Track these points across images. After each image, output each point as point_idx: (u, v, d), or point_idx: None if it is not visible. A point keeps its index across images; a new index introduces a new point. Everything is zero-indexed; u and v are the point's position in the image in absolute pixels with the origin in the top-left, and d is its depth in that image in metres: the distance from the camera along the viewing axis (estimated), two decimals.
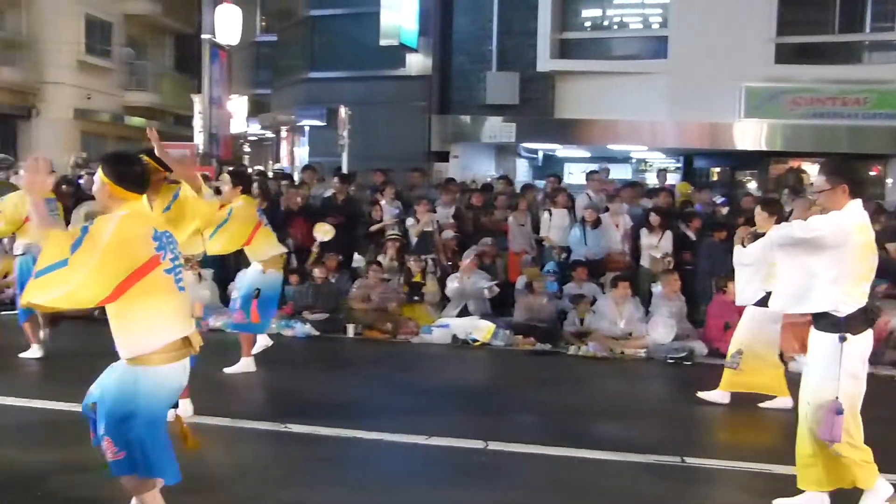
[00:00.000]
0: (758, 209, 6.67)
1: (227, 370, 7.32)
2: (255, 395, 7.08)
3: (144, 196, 3.75)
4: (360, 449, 5.51)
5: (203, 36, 14.35)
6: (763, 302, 5.82)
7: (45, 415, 5.99)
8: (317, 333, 9.44)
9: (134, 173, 3.69)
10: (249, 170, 14.35)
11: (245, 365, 7.36)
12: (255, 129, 23.87)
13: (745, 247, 6.32)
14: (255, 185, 9.45)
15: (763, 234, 5.77)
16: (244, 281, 7.53)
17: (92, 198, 6.62)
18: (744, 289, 6.50)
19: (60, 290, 3.38)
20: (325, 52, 18.14)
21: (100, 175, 3.65)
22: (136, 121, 27.36)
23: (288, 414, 6.05)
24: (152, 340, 3.54)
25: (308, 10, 18.79)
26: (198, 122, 17.03)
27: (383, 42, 15.37)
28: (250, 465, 5.15)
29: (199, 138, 16.81)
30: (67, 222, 8.18)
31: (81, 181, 12.19)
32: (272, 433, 5.74)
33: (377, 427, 5.80)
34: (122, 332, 3.56)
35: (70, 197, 11.38)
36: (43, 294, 3.40)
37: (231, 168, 9.15)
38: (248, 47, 19.52)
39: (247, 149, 25.16)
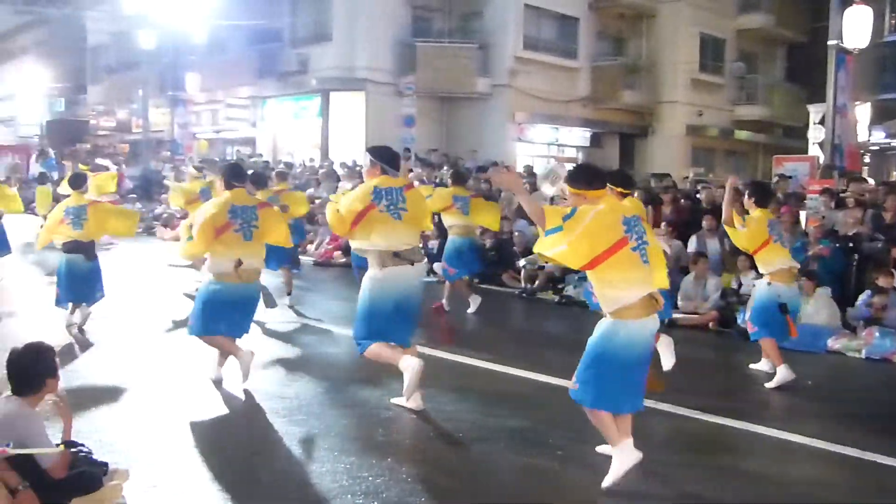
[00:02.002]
0: None
1: (767, 385, 7.26)
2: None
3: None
4: None
5: (829, 42, 13.63)
6: None
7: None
8: None
9: (591, 174, 4.76)
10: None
11: (783, 376, 7.23)
12: (877, 137, 22.08)
13: None
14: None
15: None
16: (756, 293, 7.56)
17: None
18: None
19: (559, 248, 4.45)
20: None
21: (569, 190, 4.70)
22: (743, 134, 27.48)
23: None
24: (623, 298, 4.50)
25: None
26: (813, 133, 16.33)
27: None
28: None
29: (814, 150, 16.10)
30: None
31: (699, 195, 12.56)
32: None
33: None
34: (601, 292, 4.59)
35: (687, 211, 11.86)
36: (548, 248, 4.52)
37: (756, 181, 8.62)
38: (871, 49, 18.07)
39: (867, 160, 23.36)
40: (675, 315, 9.54)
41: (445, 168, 18.36)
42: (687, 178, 18.04)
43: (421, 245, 7.45)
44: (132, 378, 6.84)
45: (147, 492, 4.43)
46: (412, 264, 5.75)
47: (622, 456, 4.66)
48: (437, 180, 16.01)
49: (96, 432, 5.27)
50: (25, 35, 39.49)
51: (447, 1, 23.94)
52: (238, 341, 6.64)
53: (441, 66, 22.20)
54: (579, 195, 4.63)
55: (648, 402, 6.22)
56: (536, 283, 12.06)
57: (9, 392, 4.06)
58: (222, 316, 6.44)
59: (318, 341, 8.46)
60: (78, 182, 9.03)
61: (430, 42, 22.79)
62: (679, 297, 10.30)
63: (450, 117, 23.68)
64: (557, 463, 5.15)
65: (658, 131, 26.09)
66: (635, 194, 7.84)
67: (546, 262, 5.68)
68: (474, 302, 10.24)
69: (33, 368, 4.04)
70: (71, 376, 6.55)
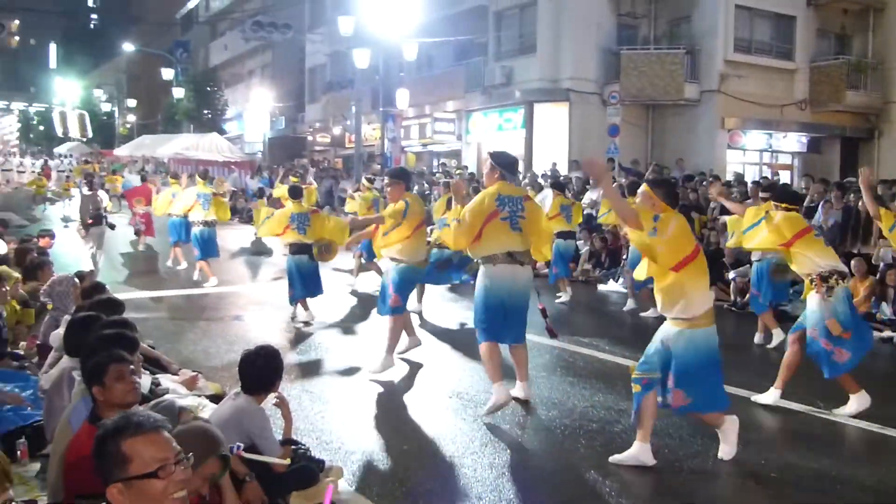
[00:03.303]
0: None
1: None
2: None
3: None
4: None
5: None
6: None
7: None
8: None
9: (669, 193, 5.16)
10: None
11: None
12: None
13: None
14: None
15: None
16: None
17: None
18: None
19: (658, 249, 4.88)
20: None
21: (645, 188, 5.13)
22: None
23: None
24: (703, 307, 4.95)
25: None
26: None
27: None
28: None
29: None
30: None
31: None
32: None
33: None
34: (679, 297, 4.89)
35: None
36: (651, 252, 4.91)
37: None
38: None
39: None
40: None
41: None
42: None
43: None
44: (349, 380, 7.16)
45: (361, 490, 4.60)
46: (522, 265, 6.09)
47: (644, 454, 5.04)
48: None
49: (314, 431, 5.55)
50: (252, 60, 42.73)
51: (653, 7, 23.41)
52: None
53: (647, 73, 21.70)
54: (652, 199, 5.00)
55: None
56: (747, 296, 11.44)
57: (238, 389, 4.35)
58: (407, 296, 7.69)
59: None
60: (296, 193, 10.17)
61: (636, 49, 22.35)
62: None
63: (655, 125, 23.08)
64: (773, 492, 4.85)
65: (887, 133, 24.03)
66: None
67: None
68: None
69: (265, 370, 4.31)
70: (290, 376, 6.95)
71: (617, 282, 13.38)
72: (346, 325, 9.79)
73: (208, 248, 12.60)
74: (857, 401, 6.25)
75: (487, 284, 6.10)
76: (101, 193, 14.40)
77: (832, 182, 15.16)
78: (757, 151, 23.73)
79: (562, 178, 17.79)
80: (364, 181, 13.76)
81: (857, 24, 24.19)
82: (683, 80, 21.64)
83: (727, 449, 5.19)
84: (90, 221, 12.66)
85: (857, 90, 23.27)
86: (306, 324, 9.60)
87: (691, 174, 18.57)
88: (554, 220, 11.35)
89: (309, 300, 9.87)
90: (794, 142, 23.91)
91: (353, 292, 12.16)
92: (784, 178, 21.92)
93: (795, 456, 5.36)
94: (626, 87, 21.37)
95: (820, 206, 12.14)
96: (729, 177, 18.53)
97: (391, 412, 6.25)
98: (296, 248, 9.74)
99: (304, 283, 9.70)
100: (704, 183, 16.65)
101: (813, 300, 6.28)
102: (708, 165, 20.33)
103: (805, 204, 12.93)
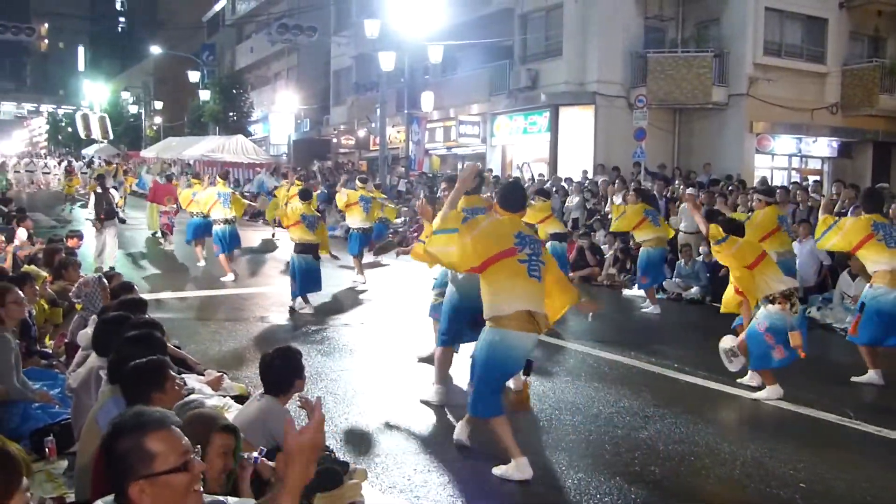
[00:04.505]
0: None
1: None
2: None
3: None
4: None
5: None
6: None
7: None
8: None
9: (510, 199, 5.10)
10: None
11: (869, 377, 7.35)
12: None
13: None
14: None
15: None
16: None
17: None
18: None
19: (446, 250, 4.82)
20: None
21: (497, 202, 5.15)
22: None
23: None
24: (504, 308, 4.74)
25: None
26: None
27: None
28: None
29: None
30: None
31: None
32: None
33: None
34: (484, 297, 4.87)
35: None
36: (438, 246, 4.90)
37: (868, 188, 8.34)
38: None
39: None
40: None
41: (677, 182, 17.82)
42: None
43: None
44: (372, 382, 7.15)
45: (385, 492, 4.57)
46: None
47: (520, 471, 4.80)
48: (670, 194, 15.62)
49: (338, 433, 5.53)
50: (278, 62, 42.95)
51: (681, 9, 23.21)
52: None
53: (674, 76, 21.53)
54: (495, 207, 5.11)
55: None
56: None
57: (262, 390, 4.35)
58: None
59: (548, 355, 8.38)
60: (306, 195, 10.94)
61: (663, 52, 22.19)
62: None
63: (682, 129, 22.88)
64: (804, 502, 4.77)
65: None
66: None
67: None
68: (654, 310, 11.38)
69: (283, 371, 4.31)
70: (314, 378, 6.95)
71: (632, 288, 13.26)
72: (371, 328, 9.78)
73: (231, 243, 13.29)
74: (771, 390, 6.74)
75: (453, 290, 6.30)
76: (113, 192, 15.75)
77: (863, 187, 14.94)
78: (786, 156, 23.46)
79: (576, 182, 17.78)
80: (357, 181, 14.33)
81: (891, 26, 23.85)
82: (711, 83, 21.44)
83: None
84: (102, 216, 13.65)
85: (891, 94, 22.86)
86: (306, 314, 10.25)
87: (718, 178, 18.41)
88: (546, 221, 11.69)
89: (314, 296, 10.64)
90: (824, 146, 23.59)
91: (364, 291, 12.25)
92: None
93: (826, 466, 5.27)
94: (653, 91, 21.22)
95: (850, 212, 11.94)
96: (755, 182, 18.33)
97: (415, 415, 6.22)
98: (300, 248, 10.43)
99: (305, 281, 10.38)
100: (731, 188, 16.52)
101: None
102: (735, 170, 20.14)
103: (836, 210, 12.75)
